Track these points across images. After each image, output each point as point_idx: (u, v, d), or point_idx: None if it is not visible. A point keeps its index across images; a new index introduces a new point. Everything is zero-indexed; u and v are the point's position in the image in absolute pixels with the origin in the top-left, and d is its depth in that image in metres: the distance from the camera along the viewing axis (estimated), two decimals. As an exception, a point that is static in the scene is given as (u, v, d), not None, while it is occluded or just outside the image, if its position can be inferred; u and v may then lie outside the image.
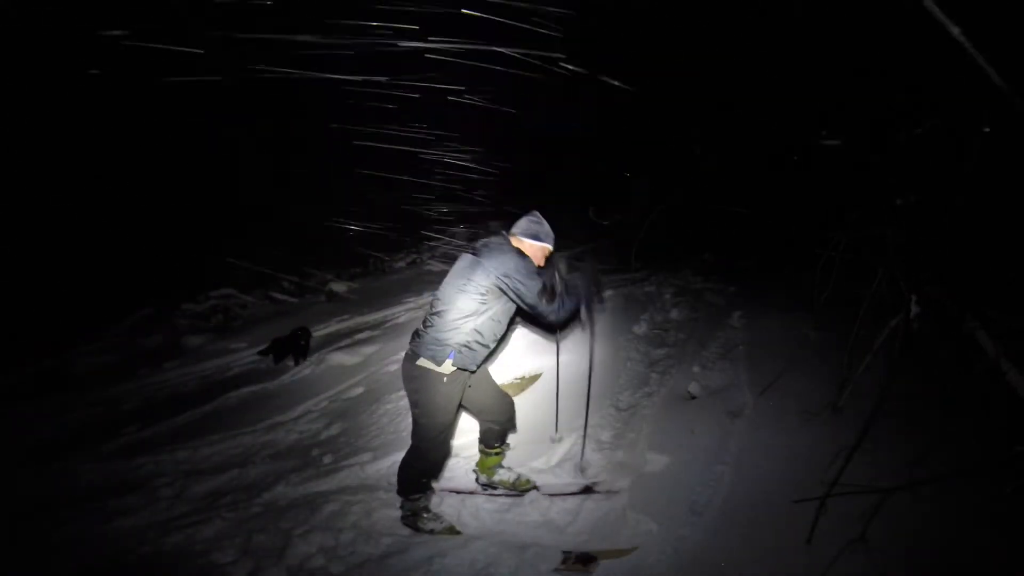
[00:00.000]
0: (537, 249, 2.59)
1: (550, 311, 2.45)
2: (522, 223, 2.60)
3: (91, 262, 7.34)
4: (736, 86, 7.09)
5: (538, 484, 2.81)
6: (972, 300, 2.07)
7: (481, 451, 2.86)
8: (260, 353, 5.23)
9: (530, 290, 2.38)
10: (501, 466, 2.87)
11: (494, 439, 2.81)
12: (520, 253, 2.47)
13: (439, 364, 2.38)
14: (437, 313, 2.44)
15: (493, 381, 2.79)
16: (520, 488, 2.80)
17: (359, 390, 4.24)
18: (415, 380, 2.45)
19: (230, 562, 2.44)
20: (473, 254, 2.47)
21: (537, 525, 2.58)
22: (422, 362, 2.40)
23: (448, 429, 2.55)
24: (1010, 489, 1.66)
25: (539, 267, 2.59)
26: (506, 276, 2.36)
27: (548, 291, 2.46)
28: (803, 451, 2.35)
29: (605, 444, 3.15)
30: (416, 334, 2.50)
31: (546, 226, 2.60)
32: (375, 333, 5.61)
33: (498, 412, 2.75)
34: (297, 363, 4.65)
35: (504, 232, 2.62)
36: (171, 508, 2.96)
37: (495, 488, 2.83)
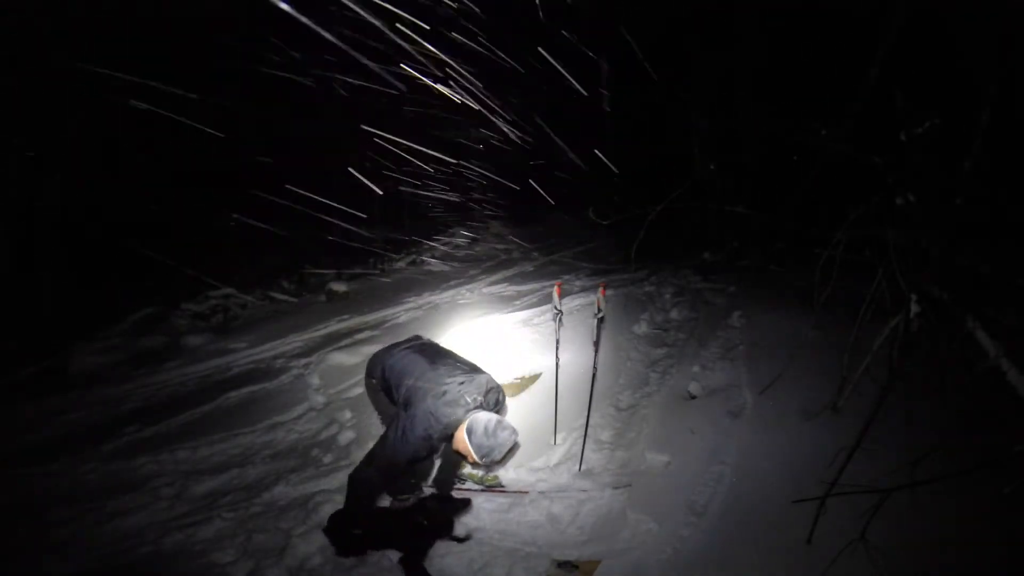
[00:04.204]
0: (466, 452, 2.36)
1: (369, 478, 2.37)
2: (479, 428, 2.29)
3: (91, 262, 7.33)
4: (735, 85, 7.10)
5: (504, 483, 2.92)
6: (972, 300, 2.06)
7: None
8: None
9: (393, 447, 2.28)
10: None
11: None
12: (432, 428, 2.29)
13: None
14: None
15: None
16: (487, 484, 2.91)
17: (359, 390, 4.24)
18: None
19: (230, 562, 2.44)
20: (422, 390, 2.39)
21: (537, 525, 2.58)
22: None
23: None
24: (1010, 489, 1.66)
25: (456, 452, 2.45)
26: (409, 418, 2.30)
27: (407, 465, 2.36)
28: (803, 451, 2.35)
29: (605, 444, 3.16)
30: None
31: (496, 450, 2.30)
32: (375, 333, 5.61)
33: None
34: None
35: (472, 400, 2.37)
36: (171, 508, 2.95)
37: (464, 482, 2.93)
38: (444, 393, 2.33)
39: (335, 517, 2.48)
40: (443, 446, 2.49)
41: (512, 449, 2.47)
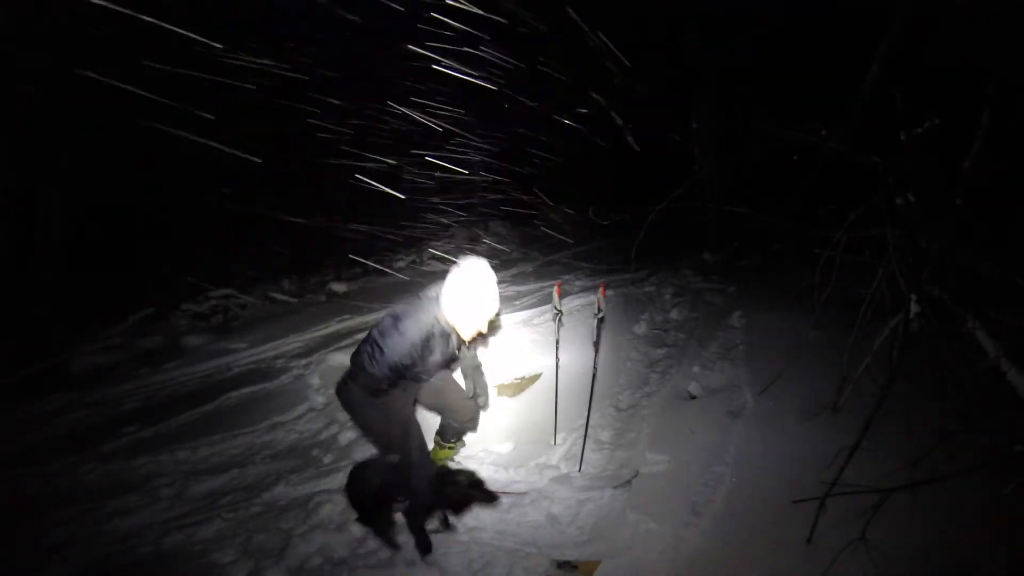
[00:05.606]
0: (469, 320, 2.33)
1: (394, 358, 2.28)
2: (452, 290, 2.29)
3: (91, 262, 7.33)
4: (735, 84, 7.10)
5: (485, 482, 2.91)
6: (972, 300, 2.07)
7: (436, 443, 3.00)
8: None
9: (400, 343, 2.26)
10: (452, 460, 3.03)
11: (451, 435, 2.96)
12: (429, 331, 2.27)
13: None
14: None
15: (456, 385, 2.90)
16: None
17: (359, 390, 4.24)
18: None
19: (230, 562, 2.44)
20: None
21: (537, 525, 2.58)
22: None
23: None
24: (1010, 489, 1.66)
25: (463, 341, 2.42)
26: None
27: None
28: (803, 451, 2.35)
29: (605, 444, 3.16)
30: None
31: (484, 288, 2.28)
32: (375, 333, 5.60)
33: (459, 412, 2.85)
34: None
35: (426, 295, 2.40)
36: (171, 508, 2.95)
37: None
38: (400, 312, 2.37)
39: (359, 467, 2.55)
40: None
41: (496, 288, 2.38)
